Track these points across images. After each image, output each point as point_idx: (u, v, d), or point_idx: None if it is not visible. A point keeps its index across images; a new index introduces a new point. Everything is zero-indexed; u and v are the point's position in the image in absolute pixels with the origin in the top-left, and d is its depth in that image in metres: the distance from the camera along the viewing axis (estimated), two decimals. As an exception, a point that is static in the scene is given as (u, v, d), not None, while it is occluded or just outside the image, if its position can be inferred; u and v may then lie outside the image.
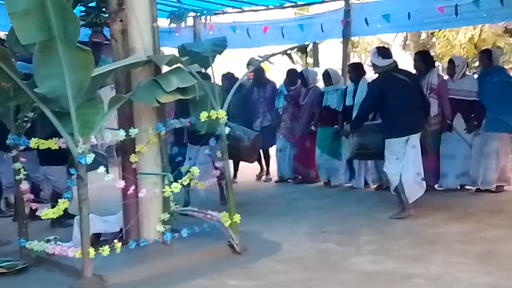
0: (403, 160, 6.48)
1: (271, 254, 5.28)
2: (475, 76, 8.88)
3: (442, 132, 7.79)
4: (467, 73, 8.26)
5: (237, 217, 5.33)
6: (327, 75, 8.87)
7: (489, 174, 7.61)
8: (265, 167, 9.93)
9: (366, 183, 8.55)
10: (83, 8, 5.93)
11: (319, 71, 10.08)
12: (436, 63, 9.58)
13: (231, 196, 5.43)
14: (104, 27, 5.96)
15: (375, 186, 8.40)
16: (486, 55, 7.97)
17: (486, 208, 6.73)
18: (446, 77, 8.12)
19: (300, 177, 9.30)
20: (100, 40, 6.47)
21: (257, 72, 9.53)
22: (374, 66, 6.79)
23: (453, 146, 7.78)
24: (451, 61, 8.10)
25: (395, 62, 6.77)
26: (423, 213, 6.59)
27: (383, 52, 6.85)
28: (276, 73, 10.26)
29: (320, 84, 9.28)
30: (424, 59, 7.84)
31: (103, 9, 5.74)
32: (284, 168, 9.49)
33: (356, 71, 8.56)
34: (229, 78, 9.10)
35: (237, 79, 8.20)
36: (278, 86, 9.75)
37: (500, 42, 18.70)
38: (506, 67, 15.11)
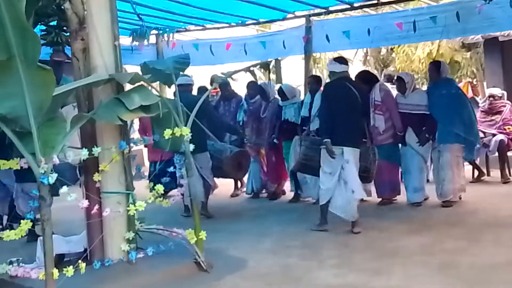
0: (337, 176, 6.50)
1: (236, 271, 5.30)
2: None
3: (400, 146, 7.95)
4: (417, 87, 8.35)
5: (202, 234, 5.33)
6: (281, 92, 8.95)
7: (446, 186, 7.66)
8: (239, 183, 10.03)
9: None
10: (44, 27, 5.90)
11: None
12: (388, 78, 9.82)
13: (196, 214, 5.43)
14: (65, 45, 5.94)
15: None
16: (435, 67, 8.08)
17: (445, 220, 6.85)
18: (394, 92, 8.24)
19: (266, 192, 9.39)
20: (61, 59, 6.45)
21: (223, 86, 9.57)
22: (332, 73, 6.80)
23: (409, 161, 7.90)
24: (400, 79, 8.15)
25: (347, 71, 6.85)
26: (383, 226, 6.70)
27: (340, 59, 6.97)
28: (240, 89, 10.28)
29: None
30: (363, 80, 7.90)
31: (64, 28, 5.72)
32: (251, 184, 9.55)
33: (315, 83, 8.69)
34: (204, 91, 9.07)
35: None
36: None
37: (457, 57, 19.12)
38: (463, 81, 15.48)
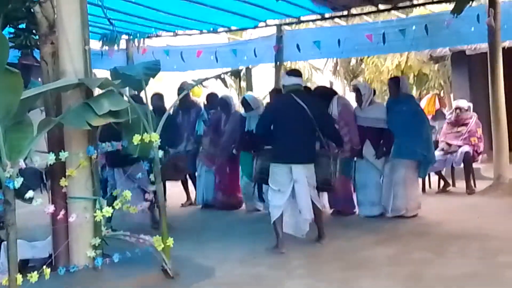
0: (287, 193, 6.17)
1: (204, 279, 5.27)
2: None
3: (356, 160, 7.87)
4: (376, 100, 8.21)
5: (170, 241, 5.28)
6: (245, 102, 8.70)
7: (397, 201, 7.61)
8: (191, 194, 9.65)
9: None
10: (12, 30, 5.82)
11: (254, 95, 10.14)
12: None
13: (163, 220, 5.39)
14: (34, 49, 5.87)
15: None
16: (394, 83, 8.01)
17: (411, 231, 6.89)
18: (354, 104, 8.14)
19: (218, 205, 9.06)
20: (30, 63, 6.35)
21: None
22: (283, 87, 6.57)
23: (366, 175, 7.82)
24: (357, 90, 8.02)
25: (300, 84, 6.49)
26: (350, 236, 6.73)
27: (291, 72, 6.71)
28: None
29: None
30: (321, 95, 7.58)
31: (34, 31, 5.65)
32: (202, 194, 9.26)
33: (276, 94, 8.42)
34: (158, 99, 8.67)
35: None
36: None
37: (425, 69, 19.40)
38: (431, 92, 15.73)
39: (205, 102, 9.64)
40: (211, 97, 9.51)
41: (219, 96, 9.41)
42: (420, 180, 8.87)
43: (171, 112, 5.70)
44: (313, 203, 6.29)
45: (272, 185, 6.28)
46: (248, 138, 8.40)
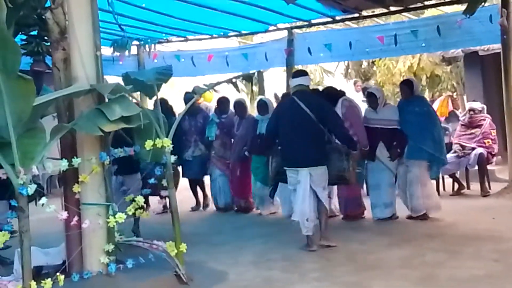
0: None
1: (217, 284, 5.27)
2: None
3: (368, 162, 7.84)
4: (387, 102, 8.18)
5: (183, 247, 5.28)
6: (263, 104, 8.68)
7: (415, 201, 7.61)
8: (200, 199, 9.74)
9: None
10: (24, 37, 5.86)
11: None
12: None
13: (176, 225, 5.39)
14: (46, 55, 5.89)
15: None
16: (408, 86, 7.97)
17: (424, 233, 6.85)
18: (365, 106, 8.16)
19: (236, 207, 9.23)
20: (41, 69, 6.38)
21: (187, 101, 8.73)
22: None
23: (378, 176, 7.79)
24: (371, 94, 7.94)
25: (302, 85, 6.48)
26: (363, 239, 6.69)
27: (295, 73, 6.87)
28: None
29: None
30: (326, 97, 7.39)
31: (45, 38, 5.68)
32: (218, 198, 9.34)
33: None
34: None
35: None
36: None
37: (437, 71, 19.26)
38: (444, 94, 15.63)
39: (216, 106, 9.57)
40: (223, 101, 9.43)
41: (234, 100, 9.37)
42: (434, 182, 8.83)
43: (180, 117, 5.68)
44: (320, 202, 6.38)
45: (289, 185, 6.50)
46: (260, 141, 8.38)
